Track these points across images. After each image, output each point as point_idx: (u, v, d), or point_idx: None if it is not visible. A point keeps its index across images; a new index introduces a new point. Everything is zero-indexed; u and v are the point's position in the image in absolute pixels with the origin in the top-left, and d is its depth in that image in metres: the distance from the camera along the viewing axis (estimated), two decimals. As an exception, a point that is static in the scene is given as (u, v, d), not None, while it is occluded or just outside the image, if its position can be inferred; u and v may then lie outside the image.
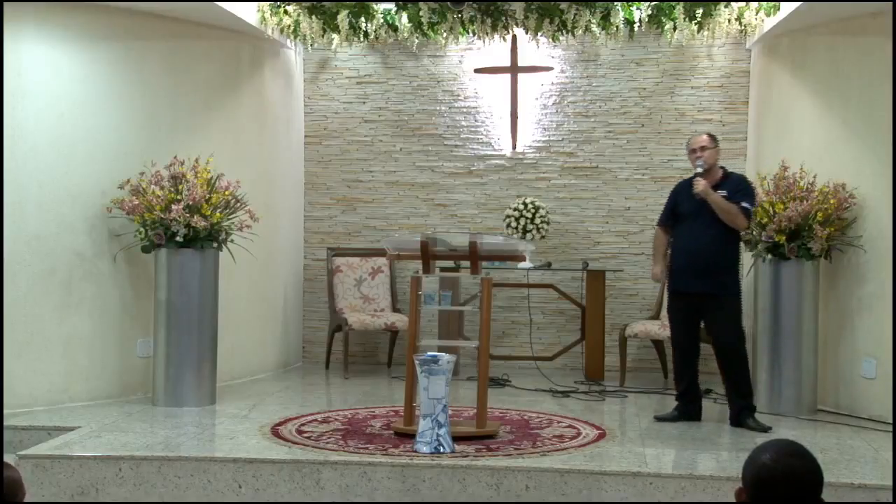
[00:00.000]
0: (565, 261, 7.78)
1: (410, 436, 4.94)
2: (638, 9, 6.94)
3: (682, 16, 6.85)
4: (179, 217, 5.78)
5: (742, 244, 6.22)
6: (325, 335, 7.81)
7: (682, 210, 5.72)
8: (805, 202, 5.86)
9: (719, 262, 5.58)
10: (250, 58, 7.20)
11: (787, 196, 5.96)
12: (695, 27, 6.93)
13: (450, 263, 6.78)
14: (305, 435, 5.17)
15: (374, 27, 7.19)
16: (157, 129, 6.38)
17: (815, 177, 6.06)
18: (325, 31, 7.21)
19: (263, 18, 7.00)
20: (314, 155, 8.17)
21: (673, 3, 6.89)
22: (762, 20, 6.85)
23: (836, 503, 4.17)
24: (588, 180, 7.90)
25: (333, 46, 7.49)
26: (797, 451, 2.28)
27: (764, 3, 6.77)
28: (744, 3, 6.87)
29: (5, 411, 5.43)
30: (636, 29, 7.04)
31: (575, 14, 6.91)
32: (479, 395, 5.15)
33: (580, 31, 7.03)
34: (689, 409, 5.75)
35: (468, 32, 7.33)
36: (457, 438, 4.86)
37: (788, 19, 6.35)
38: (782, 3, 6.46)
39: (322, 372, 7.67)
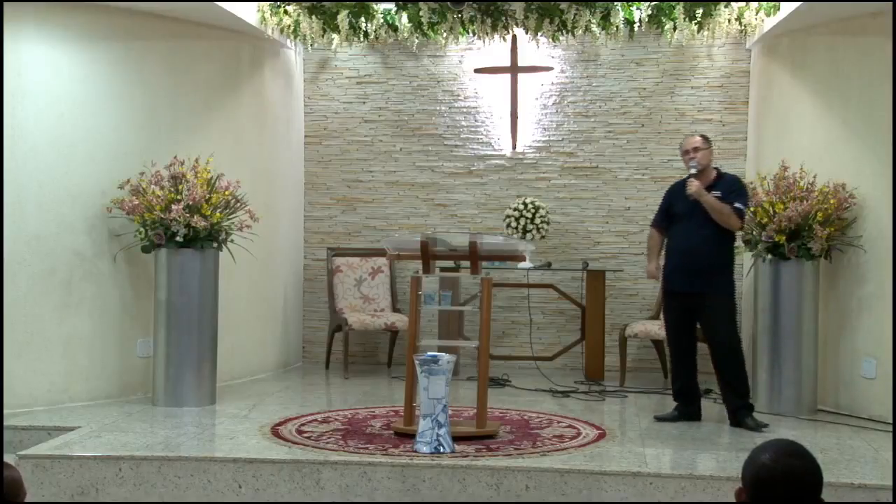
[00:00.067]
0: (565, 261, 7.78)
1: (410, 436, 4.94)
2: (638, 9, 6.94)
3: (682, 16, 6.85)
4: (179, 217, 5.78)
5: (742, 244, 6.24)
6: (325, 335, 7.81)
7: (676, 211, 5.74)
8: (805, 202, 5.86)
9: (713, 262, 5.59)
10: (250, 58, 7.20)
11: (787, 196, 5.96)
12: (695, 27, 6.93)
13: (450, 263, 6.78)
14: (305, 435, 5.17)
15: (374, 27, 7.19)
16: (157, 129, 6.38)
17: (815, 177, 6.06)
18: (325, 31, 7.22)
19: (263, 18, 7.01)
20: (314, 155, 8.17)
21: (673, 3, 6.89)
22: (762, 20, 6.85)
23: (836, 503, 4.17)
24: (588, 180, 7.90)
25: (333, 46, 7.49)
26: (797, 451, 2.28)
27: (764, 3, 6.77)
28: (744, 3, 6.87)
29: (5, 411, 5.43)
30: (636, 29, 7.04)
31: (575, 14, 6.91)
32: (479, 395, 5.15)
33: (580, 31, 7.03)
34: (688, 410, 5.75)
35: (468, 32, 7.33)
36: (457, 438, 4.86)
37: (788, 19, 6.35)
38: (782, 3, 6.47)
39: (322, 372, 7.67)
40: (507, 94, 7.86)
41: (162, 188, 5.91)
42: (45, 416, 5.57)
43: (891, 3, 5.51)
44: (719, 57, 7.75)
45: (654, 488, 4.45)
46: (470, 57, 7.96)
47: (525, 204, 7.51)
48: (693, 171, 5.64)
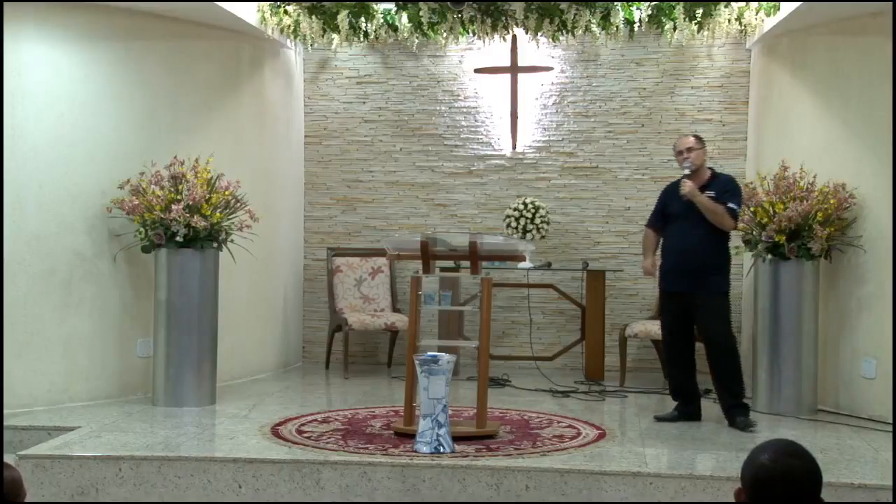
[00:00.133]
0: (565, 261, 7.78)
1: (410, 436, 4.94)
2: (638, 9, 6.94)
3: (682, 16, 6.86)
4: (179, 217, 5.78)
5: (742, 244, 6.24)
6: (325, 335, 7.81)
7: (671, 211, 5.76)
8: (805, 202, 5.86)
9: (707, 261, 5.60)
10: (250, 58, 7.20)
11: (787, 196, 5.96)
12: (695, 27, 6.93)
13: (450, 263, 6.78)
14: (305, 435, 5.17)
15: (374, 27, 7.20)
16: (157, 129, 6.38)
17: (815, 177, 6.06)
18: (325, 31, 7.22)
19: (263, 18, 7.01)
20: (314, 155, 8.17)
21: (673, 3, 6.89)
22: (762, 20, 6.85)
23: (836, 503, 4.17)
24: (588, 180, 7.90)
25: (333, 46, 7.49)
26: (796, 451, 2.28)
27: (764, 3, 6.77)
28: (744, 3, 6.88)
29: (5, 411, 5.43)
30: (636, 29, 7.04)
31: (575, 14, 6.91)
32: (479, 395, 5.15)
33: (580, 31, 7.03)
34: (688, 409, 5.75)
35: (468, 32, 7.33)
36: (457, 438, 4.86)
37: (788, 19, 6.35)
38: (782, 3, 6.47)
39: (322, 372, 7.67)
40: (507, 94, 7.86)
41: (162, 188, 5.91)
42: (45, 416, 5.57)
43: (891, 3, 5.51)
44: (719, 57, 7.75)
45: (654, 488, 4.45)
46: (470, 57, 7.96)
47: (525, 204, 7.51)
48: (687, 171, 5.66)
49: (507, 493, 4.50)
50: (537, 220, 7.46)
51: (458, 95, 8.02)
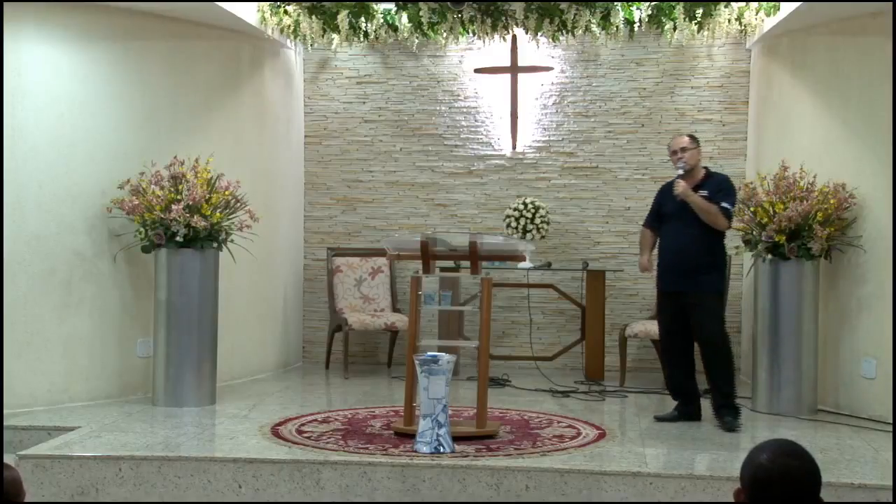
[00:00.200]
0: (565, 261, 7.78)
1: (410, 436, 4.94)
2: (638, 9, 6.94)
3: (682, 16, 6.86)
4: (179, 217, 5.78)
5: (742, 244, 6.24)
6: (325, 335, 7.81)
7: (666, 211, 5.77)
8: (805, 202, 5.86)
9: (701, 261, 5.60)
10: (250, 58, 7.20)
11: (787, 196, 5.96)
12: (695, 27, 6.93)
13: (450, 263, 6.78)
14: (305, 435, 5.17)
15: (374, 27, 7.20)
16: (157, 129, 6.38)
17: (815, 177, 6.06)
18: (325, 31, 7.22)
19: (263, 18, 7.01)
20: (314, 155, 8.17)
21: (673, 3, 6.89)
22: (762, 20, 6.85)
23: (836, 503, 4.17)
24: (588, 180, 7.90)
25: (333, 46, 7.49)
26: (794, 451, 2.28)
27: (764, 3, 6.77)
28: (744, 3, 6.88)
29: (5, 411, 5.43)
30: (636, 29, 7.04)
31: (575, 14, 6.91)
32: (479, 395, 5.15)
33: (580, 31, 7.03)
34: (688, 409, 5.75)
35: (468, 32, 7.33)
36: (457, 438, 4.86)
37: (788, 19, 6.35)
38: (782, 3, 6.47)
39: (322, 372, 7.67)
40: (507, 94, 7.86)
41: (162, 188, 5.91)
42: (45, 416, 5.57)
43: (891, 3, 5.51)
44: (719, 57, 7.75)
45: (654, 488, 4.45)
46: (470, 57, 7.96)
47: (525, 204, 7.51)
48: (681, 171, 5.66)
49: (507, 493, 4.50)
50: (537, 220, 7.46)
51: (458, 95, 8.02)
